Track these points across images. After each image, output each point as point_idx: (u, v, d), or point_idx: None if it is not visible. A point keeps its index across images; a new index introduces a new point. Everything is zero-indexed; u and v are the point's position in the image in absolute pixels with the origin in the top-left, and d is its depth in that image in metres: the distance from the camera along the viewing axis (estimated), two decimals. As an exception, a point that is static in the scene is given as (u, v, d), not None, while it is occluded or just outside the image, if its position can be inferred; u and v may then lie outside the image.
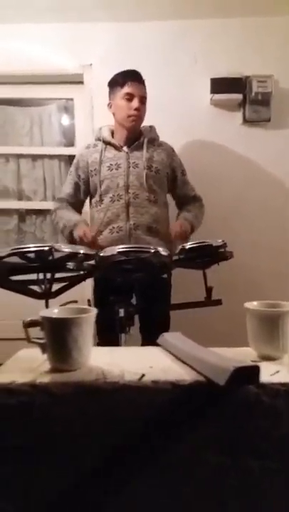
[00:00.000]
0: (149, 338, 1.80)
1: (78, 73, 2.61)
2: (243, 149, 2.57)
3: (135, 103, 1.98)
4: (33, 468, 0.75)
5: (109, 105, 2.07)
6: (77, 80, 2.64)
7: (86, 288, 2.16)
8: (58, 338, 0.80)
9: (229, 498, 0.76)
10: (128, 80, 1.99)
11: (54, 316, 0.83)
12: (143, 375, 0.78)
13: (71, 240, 1.97)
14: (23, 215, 2.92)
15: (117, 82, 2.02)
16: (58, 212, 2.07)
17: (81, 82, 2.64)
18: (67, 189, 2.11)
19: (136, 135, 2.07)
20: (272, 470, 0.76)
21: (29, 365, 0.85)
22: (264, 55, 2.51)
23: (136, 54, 2.51)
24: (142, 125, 2.09)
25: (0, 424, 0.75)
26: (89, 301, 2.10)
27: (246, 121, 2.55)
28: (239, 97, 2.49)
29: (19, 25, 2.56)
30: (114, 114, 2.07)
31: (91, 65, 2.59)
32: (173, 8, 2.44)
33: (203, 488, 0.76)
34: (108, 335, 1.48)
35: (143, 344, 1.79)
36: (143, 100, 2.01)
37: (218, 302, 1.53)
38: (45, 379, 0.77)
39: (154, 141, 2.09)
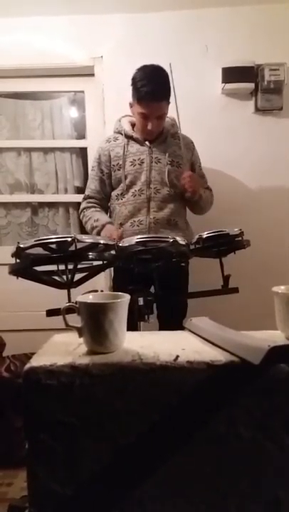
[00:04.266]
0: (167, 326, 1.85)
1: (89, 65, 2.62)
2: (256, 138, 2.58)
3: (150, 124, 1.95)
4: (76, 446, 0.79)
5: (130, 105, 2.02)
6: (87, 73, 2.65)
7: (99, 278, 2.20)
8: (95, 322, 0.83)
9: (263, 471, 0.79)
10: (145, 100, 1.89)
11: (92, 302, 0.86)
12: (178, 356, 0.81)
13: None
14: (35, 208, 2.95)
15: (137, 92, 1.92)
16: (86, 212, 2.09)
17: (92, 75, 2.65)
18: (92, 185, 2.12)
19: None
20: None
21: (66, 349, 0.88)
22: (276, 43, 2.50)
23: (147, 45, 2.52)
24: None
25: (42, 404, 0.79)
26: (102, 291, 2.15)
27: (258, 109, 2.56)
28: (251, 85, 2.49)
29: (29, 18, 2.57)
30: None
31: (102, 57, 2.60)
32: (184, -2, 2.45)
33: (238, 462, 0.79)
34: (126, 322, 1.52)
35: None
36: (160, 117, 1.95)
37: (235, 290, 1.56)
38: (84, 361, 0.80)
39: (175, 135, 2.08)
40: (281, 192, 2.61)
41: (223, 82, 2.50)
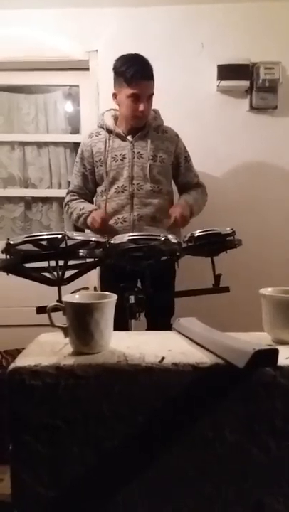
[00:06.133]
0: (155, 324, 1.85)
1: (84, 59, 2.59)
2: (250, 136, 2.57)
3: (142, 105, 1.90)
4: (61, 448, 0.79)
5: (114, 96, 1.98)
6: (82, 67, 2.62)
7: (92, 275, 2.19)
8: (81, 322, 0.82)
9: (248, 473, 0.79)
10: (135, 80, 1.86)
11: (77, 301, 0.86)
12: (163, 358, 0.81)
13: (87, 229, 2.02)
14: (29, 202, 2.92)
15: (123, 76, 1.89)
16: (71, 204, 2.07)
17: (87, 69, 2.62)
18: (75, 181, 2.10)
19: None
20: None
21: (51, 349, 0.87)
22: (271, 41, 2.49)
23: (142, 40, 2.49)
24: None
25: (27, 405, 0.78)
26: (95, 288, 2.14)
27: (253, 108, 2.54)
28: (246, 83, 2.48)
29: (24, 11, 2.53)
30: (118, 106, 2.00)
31: (97, 51, 2.56)
32: (180, -7, 2.43)
33: (223, 465, 0.79)
34: (117, 320, 1.51)
35: (149, 330, 1.82)
36: (150, 97, 1.94)
37: (226, 289, 1.55)
38: (69, 361, 0.80)
39: (158, 128, 2.05)
40: (275, 190, 2.60)
41: (218, 80, 2.48)
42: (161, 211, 2.00)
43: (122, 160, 1.99)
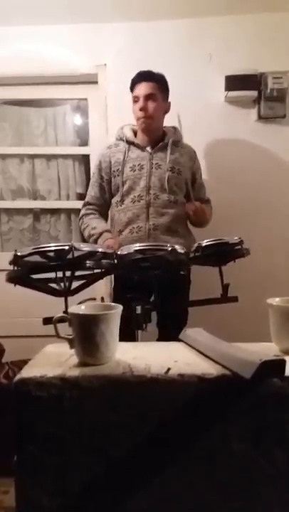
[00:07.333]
0: (167, 335, 1.83)
1: (92, 73, 2.63)
2: (259, 146, 2.57)
3: (140, 103, 1.98)
4: (65, 458, 0.78)
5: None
6: (91, 80, 2.65)
7: (99, 286, 2.19)
8: (86, 333, 0.82)
9: (256, 484, 0.78)
10: (135, 83, 2.00)
11: (83, 313, 0.86)
12: (169, 369, 0.80)
13: None
14: (37, 214, 2.95)
15: (130, 86, 2.03)
16: (85, 219, 2.09)
17: (95, 82, 2.65)
18: (92, 192, 2.12)
19: (159, 136, 2.08)
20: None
21: (57, 360, 0.87)
22: (279, 51, 2.50)
23: (150, 53, 2.53)
24: (164, 125, 2.11)
25: (32, 416, 0.78)
26: (102, 298, 2.13)
27: (261, 117, 2.55)
28: (254, 93, 2.49)
29: (33, 26, 2.58)
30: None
31: (105, 65, 2.60)
32: (187, 7, 2.45)
33: (230, 476, 0.78)
34: (124, 331, 1.51)
35: (160, 341, 1.81)
36: (150, 97, 1.98)
37: (235, 299, 1.54)
38: (74, 373, 0.80)
39: (177, 143, 2.10)
40: (283, 200, 2.59)
41: (226, 90, 2.49)
42: (176, 222, 2.03)
43: (139, 170, 2.01)
